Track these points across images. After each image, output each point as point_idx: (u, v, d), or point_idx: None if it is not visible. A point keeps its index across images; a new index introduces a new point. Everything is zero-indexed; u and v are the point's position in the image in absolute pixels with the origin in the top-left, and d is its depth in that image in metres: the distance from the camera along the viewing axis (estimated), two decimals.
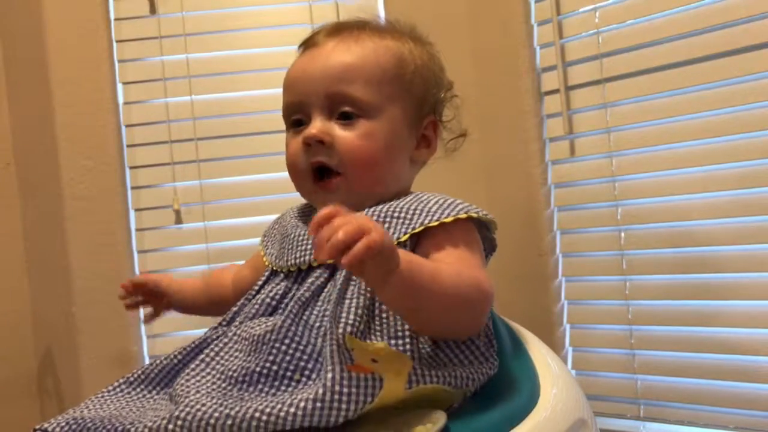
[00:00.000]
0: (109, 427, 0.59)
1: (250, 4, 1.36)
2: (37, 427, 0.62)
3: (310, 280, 0.67)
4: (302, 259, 0.69)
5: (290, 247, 0.72)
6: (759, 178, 1.03)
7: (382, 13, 1.34)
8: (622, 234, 1.17)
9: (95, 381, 1.30)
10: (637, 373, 1.16)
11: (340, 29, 0.76)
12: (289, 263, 0.70)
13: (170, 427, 0.54)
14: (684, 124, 1.09)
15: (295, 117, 0.75)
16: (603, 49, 1.17)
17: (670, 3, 1.09)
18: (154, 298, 0.86)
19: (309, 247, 0.69)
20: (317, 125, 0.71)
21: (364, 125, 0.71)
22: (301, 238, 0.71)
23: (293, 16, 1.35)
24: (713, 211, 1.08)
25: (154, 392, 0.67)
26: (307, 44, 0.78)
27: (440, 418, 0.55)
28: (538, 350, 0.77)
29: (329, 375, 0.55)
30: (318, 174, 0.73)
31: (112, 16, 1.35)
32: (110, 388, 0.68)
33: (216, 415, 0.53)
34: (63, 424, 0.61)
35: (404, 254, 0.57)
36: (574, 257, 1.25)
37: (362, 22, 0.78)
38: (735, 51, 1.03)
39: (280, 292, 0.69)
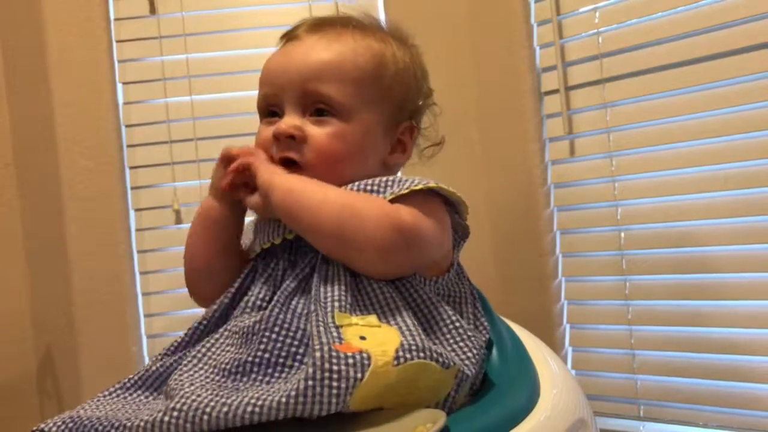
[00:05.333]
0: (105, 424, 0.59)
1: (249, 4, 1.36)
2: (35, 428, 0.61)
3: (294, 273, 0.68)
4: (275, 233, 0.70)
5: (261, 227, 0.73)
6: (759, 178, 1.03)
7: (382, 13, 1.34)
8: (622, 234, 1.17)
9: (95, 381, 1.30)
10: (636, 373, 1.16)
11: (322, 25, 0.76)
12: (262, 242, 0.72)
13: (166, 419, 0.54)
14: (684, 124, 1.09)
15: (271, 109, 0.76)
16: (603, 49, 1.17)
17: (670, 3, 1.09)
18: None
19: (279, 223, 0.70)
20: (287, 121, 0.72)
21: (336, 125, 0.71)
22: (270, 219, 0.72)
23: (293, 16, 1.31)
24: (713, 211, 1.08)
25: (150, 397, 0.67)
26: (288, 37, 0.78)
27: (440, 418, 0.55)
28: (537, 350, 0.77)
29: (317, 354, 0.55)
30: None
31: (112, 16, 1.35)
32: (106, 392, 0.68)
33: (212, 404, 0.53)
34: (59, 423, 0.61)
35: (294, 178, 0.68)
36: (574, 257, 1.25)
37: (346, 18, 0.77)
38: (735, 51, 1.03)
39: (269, 294, 0.69)
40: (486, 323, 0.73)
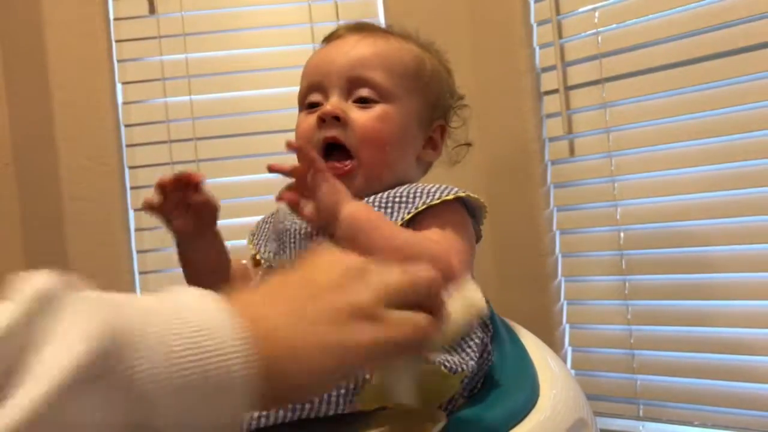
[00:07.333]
0: None
1: (249, 4, 1.36)
2: None
3: None
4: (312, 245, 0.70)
5: (293, 240, 0.72)
6: (758, 178, 1.03)
7: (381, 13, 1.34)
8: (622, 234, 1.17)
9: None
10: (636, 373, 1.16)
11: (365, 28, 0.80)
12: (293, 257, 0.71)
13: None
14: (683, 124, 1.09)
15: (312, 99, 0.77)
16: (602, 49, 1.17)
17: (669, 3, 1.09)
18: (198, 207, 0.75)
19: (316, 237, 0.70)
20: (333, 102, 0.74)
21: (381, 108, 0.74)
22: (303, 231, 0.71)
23: (293, 16, 1.35)
24: (712, 211, 1.08)
25: None
26: (330, 38, 0.82)
27: (440, 418, 0.55)
28: (537, 350, 0.77)
29: None
30: (327, 152, 0.74)
31: (111, 16, 1.35)
32: None
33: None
34: None
35: (365, 207, 0.65)
36: (574, 257, 1.25)
37: (387, 26, 0.82)
38: (735, 51, 1.03)
39: None
40: (489, 323, 0.73)
